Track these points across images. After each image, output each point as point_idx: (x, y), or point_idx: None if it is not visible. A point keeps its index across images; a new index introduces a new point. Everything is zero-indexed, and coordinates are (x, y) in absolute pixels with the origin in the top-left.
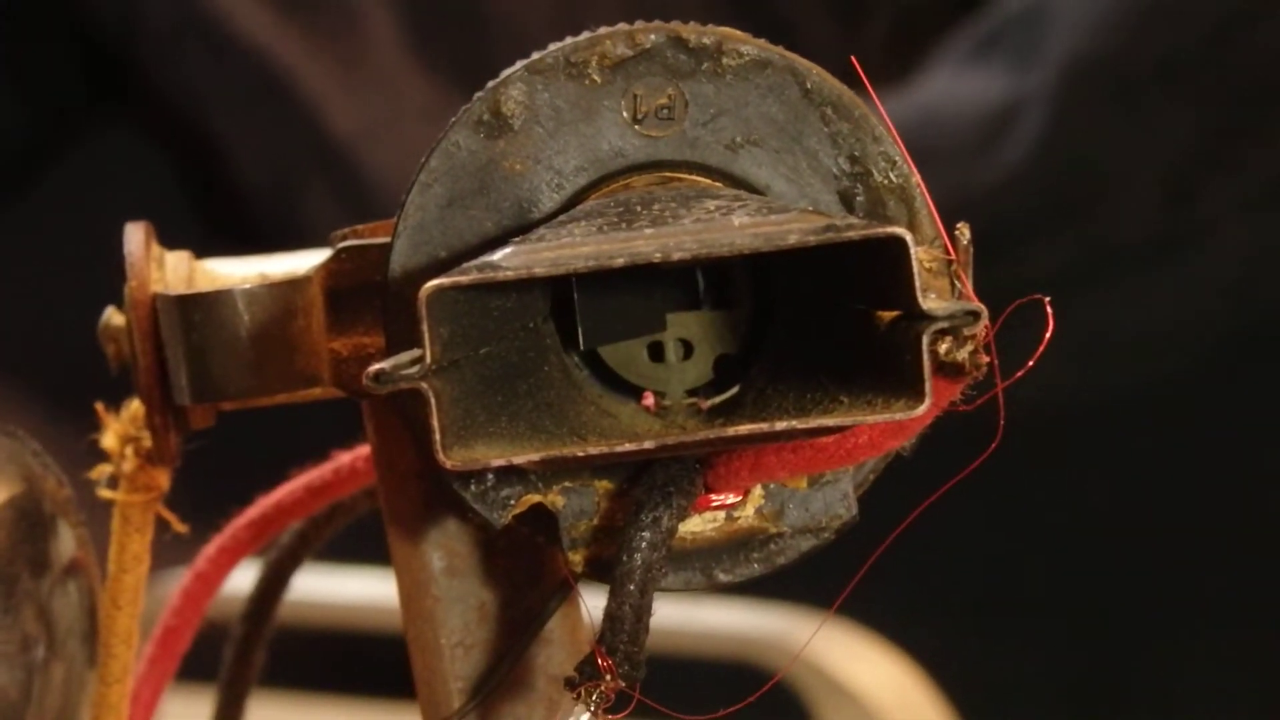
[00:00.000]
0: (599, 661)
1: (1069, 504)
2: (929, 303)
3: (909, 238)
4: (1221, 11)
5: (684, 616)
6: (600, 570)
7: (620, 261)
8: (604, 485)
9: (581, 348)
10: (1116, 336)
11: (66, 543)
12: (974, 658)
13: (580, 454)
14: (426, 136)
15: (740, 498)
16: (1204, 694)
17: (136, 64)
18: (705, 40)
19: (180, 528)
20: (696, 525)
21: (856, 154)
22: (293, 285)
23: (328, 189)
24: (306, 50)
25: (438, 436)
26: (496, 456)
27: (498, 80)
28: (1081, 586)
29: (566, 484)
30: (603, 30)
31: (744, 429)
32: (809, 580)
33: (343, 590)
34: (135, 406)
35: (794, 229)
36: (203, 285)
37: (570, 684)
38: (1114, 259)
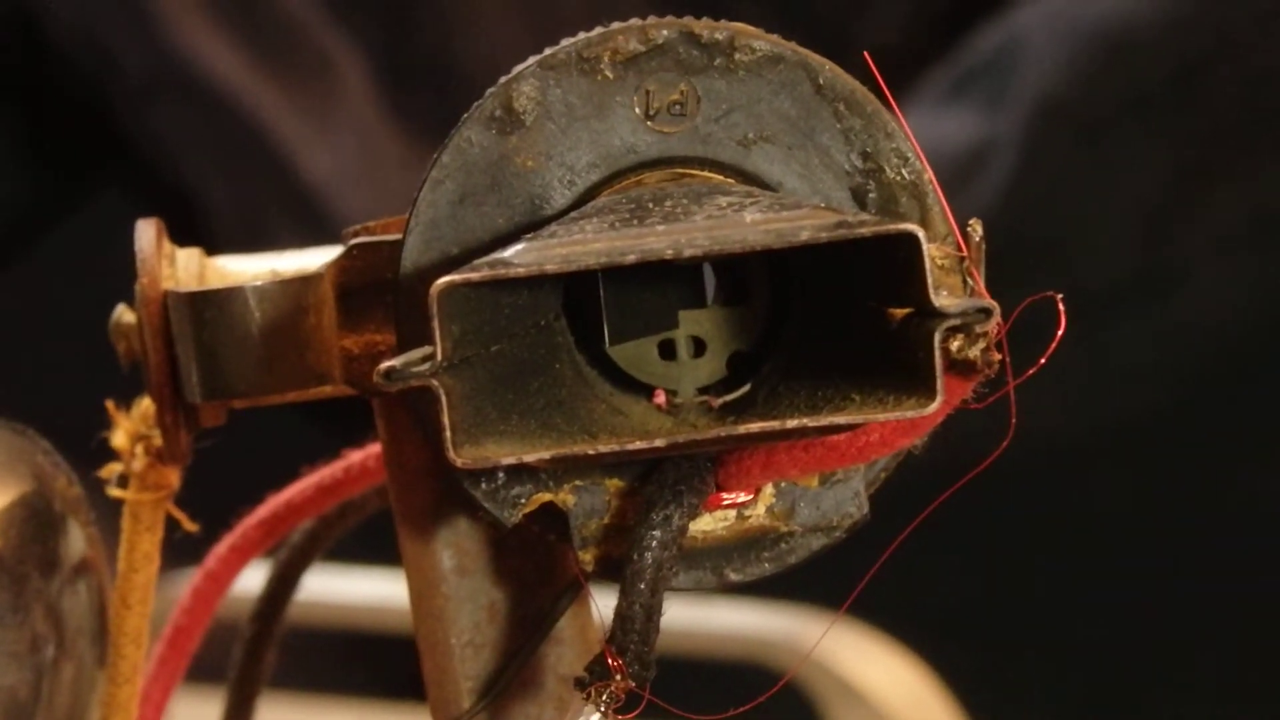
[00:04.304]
0: (609, 661)
1: (1072, 518)
2: (941, 300)
3: (921, 234)
4: (1188, 51)
5: (693, 617)
6: (611, 569)
7: (632, 258)
8: (615, 484)
9: (607, 345)
10: (1096, 377)
11: (76, 542)
12: (984, 659)
13: (591, 452)
14: (399, 185)
15: (751, 496)
16: (1205, 698)
17: (112, 113)
18: (718, 36)
19: (191, 526)
20: (707, 524)
21: (869, 150)
22: (304, 282)
23: (299, 237)
24: (279, 99)
25: (448, 434)
26: (507, 455)
27: (510, 76)
28: (1089, 590)
29: (577, 482)
30: (615, 26)
31: (755, 427)
32: (819, 581)
33: (353, 590)
34: (146, 404)
35: (806, 225)
36: (214, 282)
37: (580, 684)
38: (1091, 300)
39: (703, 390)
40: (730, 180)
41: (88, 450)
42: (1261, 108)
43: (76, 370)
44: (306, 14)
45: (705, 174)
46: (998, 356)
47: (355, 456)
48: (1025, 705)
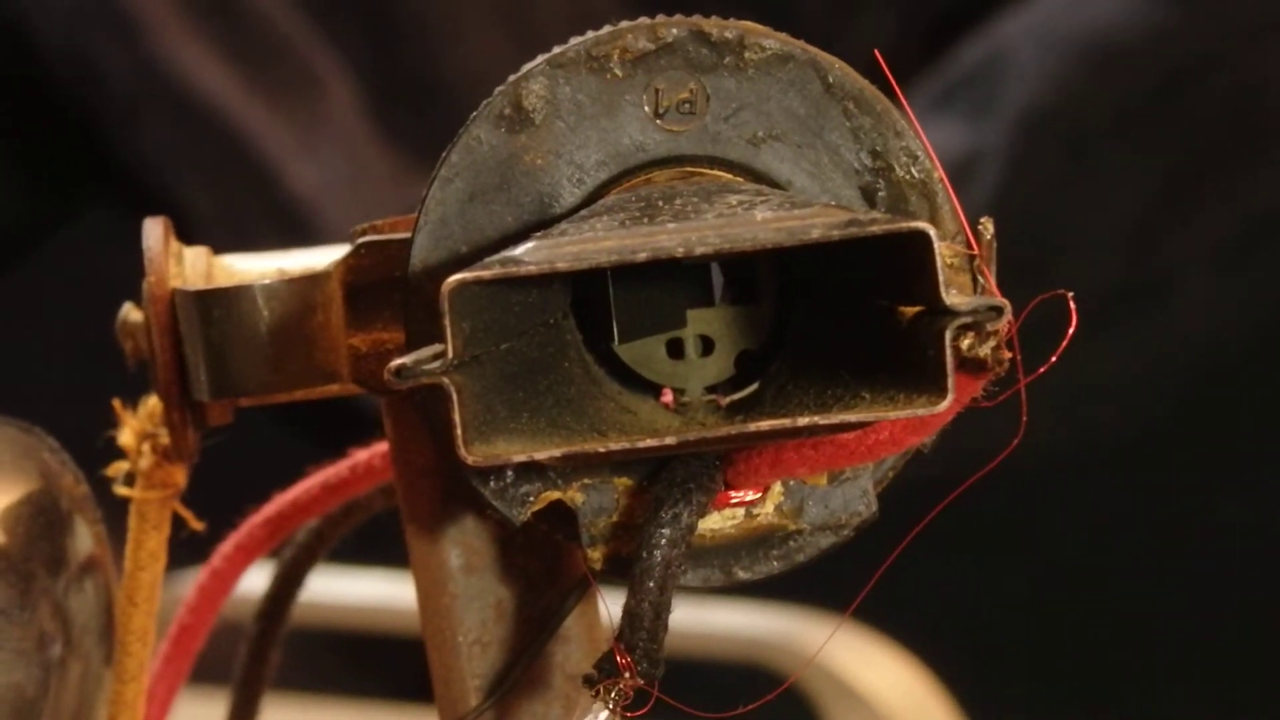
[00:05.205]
0: (618, 659)
1: (1067, 525)
2: (952, 298)
3: (932, 232)
4: (1174, 63)
5: (696, 618)
6: (619, 567)
7: (643, 256)
8: (623, 482)
9: (616, 344)
10: (1084, 387)
11: (83, 540)
12: (983, 662)
13: (601, 450)
14: (385, 198)
15: (760, 495)
16: (1202, 701)
17: (99, 128)
18: (727, 34)
19: (197, 525)
20: (716, 522)
21: (878, 149)
22: (312, 281)
23: (285, 250)
24: (265, 113)
25: (459, 432)
26: (517, 452)
27: (519, 74)
28: (1086, 595)
29: (586, 481)
30: (624, 24)
31: (766, 425)
32: (821, 583)
33: (358, 591)
34: (153, 403)
35: (817, 224)
36: (221, 281)
37: (589, 681)
38: (1079, 312)
39: (710, 389)
40: (740, 179)
41: (94, 449)
42: (1248, 118)
43: (83, 369)
44: (292, 29)
45: (715, 172)
46: (1008, 355)
47: (361, 455)
48: (1024, 708)
